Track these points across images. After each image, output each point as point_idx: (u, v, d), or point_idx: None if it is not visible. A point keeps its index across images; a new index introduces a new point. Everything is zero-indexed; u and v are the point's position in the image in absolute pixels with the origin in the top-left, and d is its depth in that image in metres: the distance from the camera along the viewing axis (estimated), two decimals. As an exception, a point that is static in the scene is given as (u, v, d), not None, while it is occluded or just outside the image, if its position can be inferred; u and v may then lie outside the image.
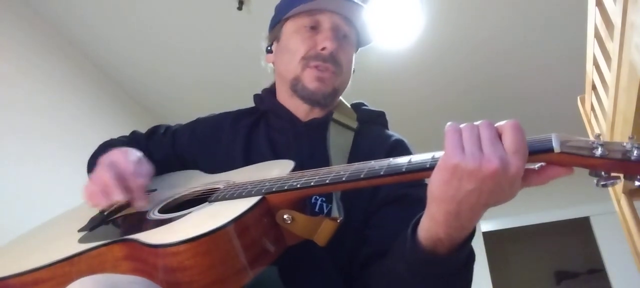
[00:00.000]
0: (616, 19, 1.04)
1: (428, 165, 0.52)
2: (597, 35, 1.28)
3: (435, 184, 0.50)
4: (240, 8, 2.17)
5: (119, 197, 0.70)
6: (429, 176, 0.54)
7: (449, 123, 0.51)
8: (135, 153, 0.80)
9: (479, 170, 0.47)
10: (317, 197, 0.77)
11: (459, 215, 0.51)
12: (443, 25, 2.34)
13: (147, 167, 0.79)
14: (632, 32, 0.94)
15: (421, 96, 2.94)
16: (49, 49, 2.29)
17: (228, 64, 2.57)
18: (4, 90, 1.98)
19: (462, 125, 0.50)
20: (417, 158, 0.54)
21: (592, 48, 1.39)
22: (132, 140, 1.00)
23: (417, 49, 2.50)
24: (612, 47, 1.12)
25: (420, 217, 0.58)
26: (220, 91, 2.75)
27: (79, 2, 2.18)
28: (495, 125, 0.50)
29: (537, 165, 0.51)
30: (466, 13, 2.28)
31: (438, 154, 0.53)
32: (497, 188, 0.48)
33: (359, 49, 1.02)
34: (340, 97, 0.98)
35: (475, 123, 0.50)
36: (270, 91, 1.01)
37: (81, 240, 0.67)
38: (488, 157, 0.47)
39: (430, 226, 0.54)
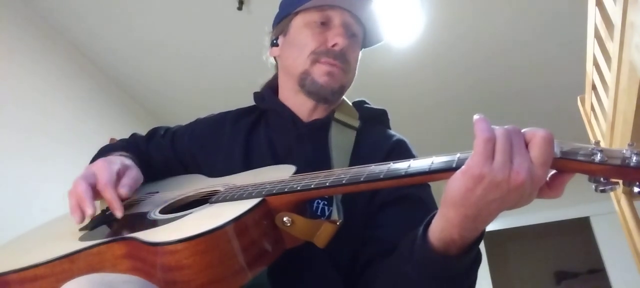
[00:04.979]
0: (616, 19, 1.04)
1: (427, 170, 0.51)
2: (597, 35, 1.28)
3: (456, 190, 0.49)
4: (240, 8, 2.18)
5: (90, 211, 0.70)
6: (428, 180, 0.53)
7: (477, 117, 0.49)
8: (120, 162, 0.79)
9: (507, 182, 0.46)
10: (319, 200, 0.77)
11: (476, 219, 0.51)
12: (444, 24, 2.35)
13: (132, 176, 0.78)
14: (632, 32, 0.94)
15: (422, 94, 2.94)
16: (49, 49, 2.30)
17: (228, 63, 2.57)
18: (4, 90, 1.98)
19: (496, 130, 0.48)
20: (417, 163, 0.53)
21: (592, 48, 1.39)
22: (132, 143, 0.99)
23: (418, 47, 2.50)
24: (612, 47, 1.12)
25: (431, 217, 0.57)
26: (220, 91, 2.75)
27: (80, 2, 2.18)
28: (523, 131, 0.49)
29: (547, 176, 0.49)
30: (466, 13, 2.28)
31: (437, 159, 0.52)
32: (519, 197, 0.48)
33: (365, 49, 1.00)
34: (343, 96, 0.97)
35: (506, 127, 0.48)
36: (271, 88, 0.99)
37: (82, 238, 0.68)
38: (517, 170, 0.46)
39: (445, 227, 0.53)
